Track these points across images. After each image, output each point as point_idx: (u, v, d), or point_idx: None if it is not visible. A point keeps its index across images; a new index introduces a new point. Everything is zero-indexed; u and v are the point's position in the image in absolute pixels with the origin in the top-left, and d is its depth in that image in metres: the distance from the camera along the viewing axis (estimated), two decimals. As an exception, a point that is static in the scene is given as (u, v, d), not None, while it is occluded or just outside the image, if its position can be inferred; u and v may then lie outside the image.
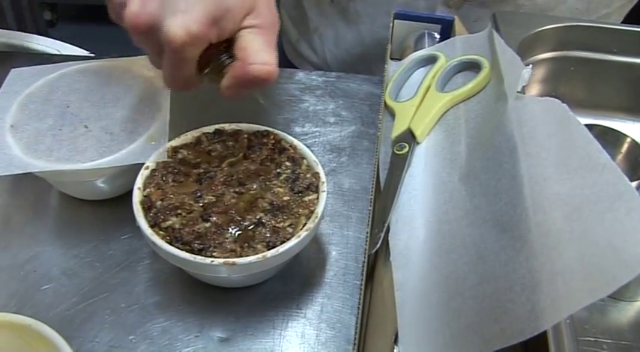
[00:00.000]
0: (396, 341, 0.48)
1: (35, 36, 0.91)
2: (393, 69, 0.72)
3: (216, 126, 0.61)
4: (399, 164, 0.60)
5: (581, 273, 0.40)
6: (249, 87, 0.52)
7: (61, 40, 0.92)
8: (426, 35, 0.77)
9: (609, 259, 0.39)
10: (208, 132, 0.61)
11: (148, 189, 0.56)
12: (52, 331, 0.46)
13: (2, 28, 0.97)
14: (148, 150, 0.59)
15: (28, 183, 0.68)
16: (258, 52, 0.52)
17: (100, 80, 0.66)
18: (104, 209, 0.66)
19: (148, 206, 0.54)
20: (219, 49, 0.53)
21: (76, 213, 0.66)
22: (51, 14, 2.87)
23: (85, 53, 0.89)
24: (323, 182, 0.56)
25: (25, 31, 0.96)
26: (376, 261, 0.55)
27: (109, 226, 0.64)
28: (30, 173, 0.61)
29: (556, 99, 0.52)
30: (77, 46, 0.91)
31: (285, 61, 1.06)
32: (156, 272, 0.60)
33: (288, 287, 0.58)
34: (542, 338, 0.45)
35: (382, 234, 0.55)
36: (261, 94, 0.60)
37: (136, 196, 0.55)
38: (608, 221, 0.41)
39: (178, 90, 0.55)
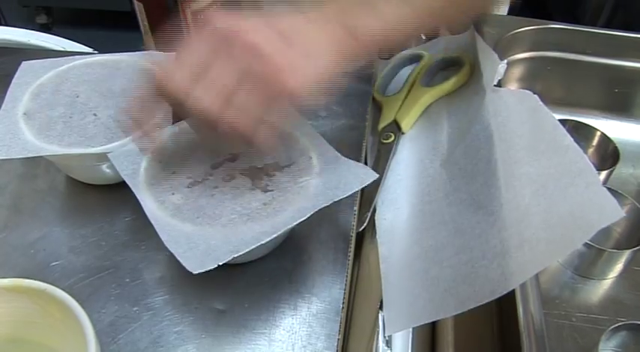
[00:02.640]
0: (381, 308, 0.52)
1: (40, 33, 0.95)
2: (381, 67, 0.77)
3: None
4: (385, 152, 0.65)
5: (545, 240, 0.44)
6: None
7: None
8: (413, 36, 0.82)
9: (569, 226, 0.44)
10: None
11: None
12: (66, 295, 0.49)
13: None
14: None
15: (38, 169, 0.72)
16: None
17: (107, 72, 0.70)
18: (109, 193, 0.69)
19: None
20: None
21: (82, 196, 0.70)
22: (46, 18, 2.89)
23: (90, 50, 0.93)
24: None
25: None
26: (363, 239, 0.60)
27: (113, 209, 0.68)
28: (40, 159, 0.65)
29: (528, 91, 0.57)
30: (75, 48, 0.95)
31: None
32: (158, 251, 0.64)
33: (282, 264, 0.62)
34: (512, 303, 0.50)
35: (369, 214, 0.59)
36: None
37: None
38: (569, 194, 0.46)
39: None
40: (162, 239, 0.53)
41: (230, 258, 0.51)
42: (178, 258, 0.51)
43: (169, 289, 0.61)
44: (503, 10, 1.01)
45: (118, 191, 0.69)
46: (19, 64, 0.72)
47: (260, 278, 0.61)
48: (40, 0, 2.83)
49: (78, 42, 0.97)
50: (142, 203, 0.56)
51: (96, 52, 0.91)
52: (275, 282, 0.61)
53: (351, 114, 0.78)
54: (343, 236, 0.64)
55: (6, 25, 1.00)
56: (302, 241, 0.64)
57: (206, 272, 0.51)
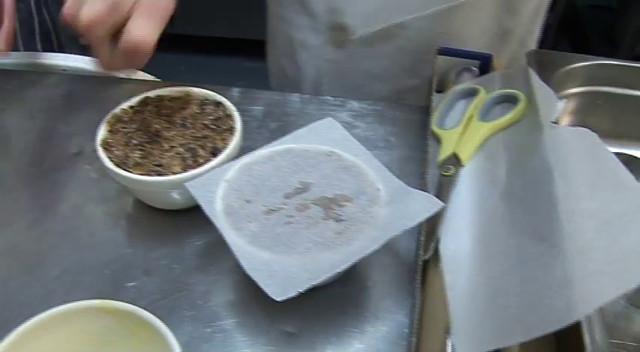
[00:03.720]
0: (448, 332, 0.55)
1: (69, 55, 0.98)
2: (437, 100, 0.81)
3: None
4: (446, 183, 0.68)
5: (609, 273, 0.47)
6: (130, 54, 0.68)
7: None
8: (466, 70, 0.85)
9: (632, 261, 0.46)
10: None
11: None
12: (153, 317, 0.52)
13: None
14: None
15: (109, 192, 0.76)
16: (134, 26, 0.66)
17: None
18: (177, 218, 0.73)
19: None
20: None
21: (152, 220, 0.73)
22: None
23: (152, 78, 0.97)
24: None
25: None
26: (426, 267, 0.63)
27: (182, 233, 0.71)
28: (111, 184, 0.71)
29: (587, 129, 0.60)
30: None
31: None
32: (227, 274, 0.67)
33: (348, 290, 0.65)
34: (576, 333, 0.53)
35: (433, 244, 0.62)
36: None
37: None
38: (632, 230, 0.48)
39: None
40: (243, 266, 0.57)
41: (310, 286, 0.54)
42: (260, 285, 0.55)
43: (240, 312, 0.64)
44: (532, 41, 1.04)
45: (185, 216, 0.73)
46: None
47: (327, 303, 0.64)
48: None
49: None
50: (220, 230, 0.60)
51: (158, 79, 0.96)
52: (342, 308, 0.64)
53: (408, 145, 0.81)
54: (405, 263, 0.67)
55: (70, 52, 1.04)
56: (366, 268, 0.67)
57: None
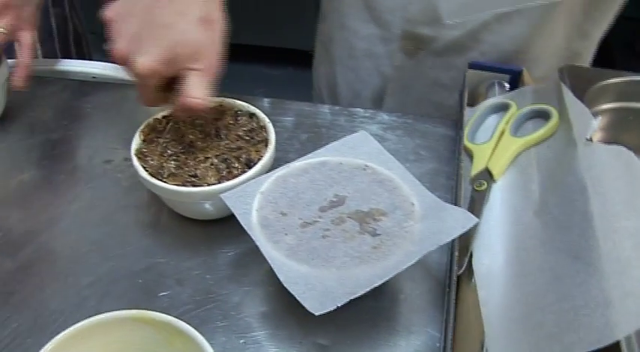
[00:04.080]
0: (482, 348, 0.56)
1: (101, 63, 0.98)
2: (469, 114, 0.81)
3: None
4: (478, 198, 0.68)
5: (649, 294, 0.47)
6: (188, 111, 0.68)
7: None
8: (496, 84, 0.86)
9: (674, 281, 0.47)
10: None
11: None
12: (190, 328, 0.52)
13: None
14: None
15: (141, 201, 0.77)
16: (192, 88, 0.66)
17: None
18: (210, 228, 0.74)
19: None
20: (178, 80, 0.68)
21: (184, 230, 0.74)
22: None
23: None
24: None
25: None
26: (459, 282, 0.63)
27: (215, 243, 0.72)
28: (143, 192, 0.73)
29: (622, 147, 0.60)
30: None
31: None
32: (259, 285, 0.68)
33: (380, 303, 0.66)
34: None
35: (467, 259, 0.63)
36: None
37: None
38: (673, 250, 0.49)
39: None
40: (281, 279, 0.57)
41: (347, 300, 0.55)
42: (298, 299, 0.55)
43: (273, 323, 0.64)
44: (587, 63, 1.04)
45: (217, 226, 0.73)
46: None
47: (359, 316, 0.65)
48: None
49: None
50: (257, 243, 0.60)
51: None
52: (374, 321, 0.64)
53: (438, 158, 0.82)
54: (437, 277, 0.67)
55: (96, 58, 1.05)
56: (398, 281, 0.67)
57: (305, 309, 0.55)
